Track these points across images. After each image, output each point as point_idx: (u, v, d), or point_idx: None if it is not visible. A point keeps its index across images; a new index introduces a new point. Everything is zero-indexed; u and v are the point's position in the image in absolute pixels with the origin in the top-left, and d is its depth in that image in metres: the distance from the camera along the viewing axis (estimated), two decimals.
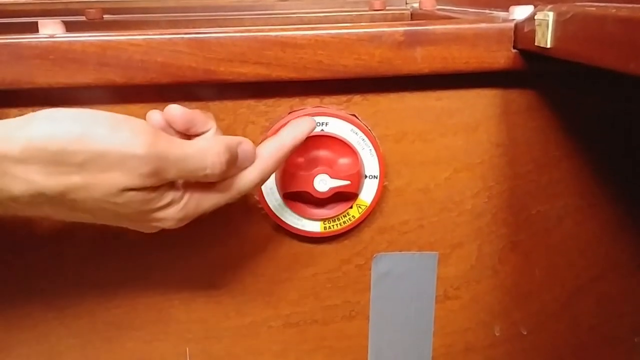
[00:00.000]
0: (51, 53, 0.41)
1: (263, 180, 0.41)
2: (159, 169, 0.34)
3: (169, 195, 0.37)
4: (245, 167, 0.40)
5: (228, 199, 0.40)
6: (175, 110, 0.39)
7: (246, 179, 0.40)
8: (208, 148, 0.36)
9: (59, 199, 0.34)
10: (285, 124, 0.45)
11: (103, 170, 0.33)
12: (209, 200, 0.39)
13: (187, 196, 0.38)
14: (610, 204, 0.52)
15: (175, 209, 0.37)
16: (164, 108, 0.45)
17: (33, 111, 0.44)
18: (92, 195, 0.34)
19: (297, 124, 0.43)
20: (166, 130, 0.38)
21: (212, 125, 0.40)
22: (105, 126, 0.33)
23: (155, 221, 0.38)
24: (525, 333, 0.56)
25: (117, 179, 0.34)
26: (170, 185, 0.37)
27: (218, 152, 0.36)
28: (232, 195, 0.40)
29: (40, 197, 0.34)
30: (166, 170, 0.35)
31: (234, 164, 0.38)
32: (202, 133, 0.40)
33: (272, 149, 0.41)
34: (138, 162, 0.33)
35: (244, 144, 0.39)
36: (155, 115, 0.39)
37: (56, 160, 0.33)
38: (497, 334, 0.56)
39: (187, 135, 0.40)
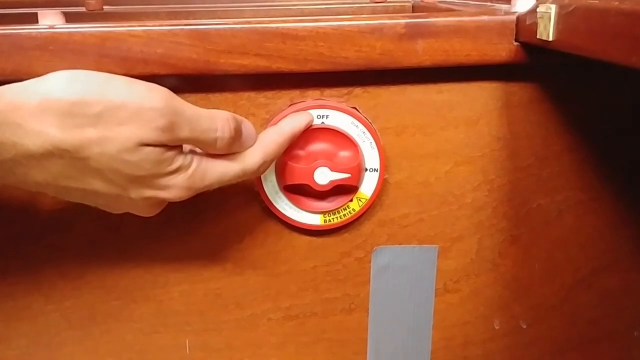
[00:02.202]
0: (51, 44, 0.41)
1: (265, 163, 0.41)
2: (174, 124, 0.35)
3: (179, 160, 0.37)
4: (248, 147, 0.41)
5: (232, 176, 0.40)
6: None
7: (250, 157, 0.41)
8: (217, 112, 0.38)
9: (72, 155, 0.34)
10: (286, 116, 0.45)
11: (119, 123, 0.34)
12: (214, 172, 0.39)
13: (195, 164, 0.38)
14: (611, 198, 0.52)
15: (183, 177, 0.38)
16: None
17: None
18: (107, 150, 0.34)
19: (296, 116, 0.44)
20: None
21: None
22: (122, 81, 0.35)
23: (162, 189, 0.38)
24: (524, 327, 0.56)
25: (133, 132, 0.34)
26: (180, 150, 0.37)
27: (227, 118, 0.38)
28: (236, 171, 0.40)
29: (54, 154, 0.34)
30: (180, 127, 0.36)
31: (239, 136, 0.39)
32: None
33: (273, 134, 0.42)
34: (154, 114, 0.34)
35: (247, 122, 0.41)
36: None
37: (72, 112, 0.33)
38: (496, 328, 0.56)
39: None
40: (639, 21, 0.29)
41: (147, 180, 0.37)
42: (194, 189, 0.39)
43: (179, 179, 0.38)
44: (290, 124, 0.44)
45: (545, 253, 0.53)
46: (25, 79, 0.41)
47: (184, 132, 0.36)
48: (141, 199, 0.39)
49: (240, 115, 0.46)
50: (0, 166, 0.35)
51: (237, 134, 0.39)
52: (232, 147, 0.39)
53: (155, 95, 0.35)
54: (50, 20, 0.44)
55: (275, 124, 0.45)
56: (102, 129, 0.34)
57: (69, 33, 0.41)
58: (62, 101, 0.33)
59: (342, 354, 0.56)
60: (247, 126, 0.41)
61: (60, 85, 0.34)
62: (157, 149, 0.36)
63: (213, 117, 0.37)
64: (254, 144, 0.41)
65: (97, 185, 0.37)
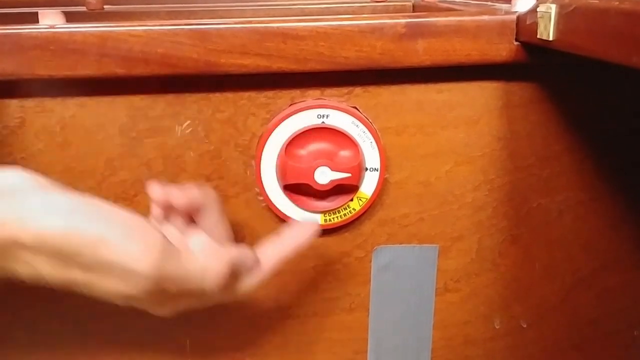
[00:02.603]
0: (51, 44, 0.41)
1: (260, 283, 0.42)
2: (160, 287, 0.35)
3: (161, 301, 0.37)
4: (244, 275, 0.41)
5: (222, 302, 0.41)
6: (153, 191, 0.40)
7: (244, 285, 0.41)
8: (210, 269, 0.37)
9: (58, 286, 0.35)
10: (287, 116, 0.45)
11: (107, 276, 0.34)
12: (202, 304, 0.40)
13: (182, 301, 0.39)
14: (611, 198, 0.52)
15: (167, 309, 0.38)
16: (164, 100, 0.45)
17: (33, 102, 0.45)
18: (93, 291, 0.35)
19: (300, 228, 0.44)
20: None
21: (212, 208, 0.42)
22: (120, 233, 0.34)
23: (145, 309, 0.38)
24: (525, 326, 0.56)
25: (119, 286, 0.34)
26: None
27: (218, 274, 0.37)
28: (226, 300, 0.41)
29: (43, 282, 0.34)
30: (166, 287, 0.36)
31: (235, 278, 0.40)
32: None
33: (274, 256, 0.42)
34: (142, 279, 0.34)
35: (248, 260, 0.40)
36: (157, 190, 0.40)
37: (64, 257, 0.33)
38: (496, 327, 0.56)
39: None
40: (639, 21, 0.29)
41: (129, 305, 0.37)
42: (179, 311, 0.40)
43: (164, 310, 0.38)
44: (294, 238, 0.43)
45: (545, 253, 0.53)
46: (25, 79, 0.42)
47: (172, 290, 0.36)
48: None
49: (241, 115, 0.46)
50: None
51: (231, 278, 0.39)
52: (223, 294, 0.39)
53: (147, 258, 0.34)
54: (50, 20, 0.44)
55: (276, 125, 0.45)
56: (89, 276, 0.34)
57: (70, 33, 0.41)
58: (56, 246, 0.33)
59: (342, 354, 0.56)
60: (246, 262, 0.40)
61: (59, 222, 0.33)
62: (141, 300, 0.36)
63: (204, 276, 0.37)
64: (251, 271, 0.41)
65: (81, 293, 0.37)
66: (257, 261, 0.41)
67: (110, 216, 0.34)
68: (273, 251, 0.42)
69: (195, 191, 0.41)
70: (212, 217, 0.42)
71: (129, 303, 0.37)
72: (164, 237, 0.36)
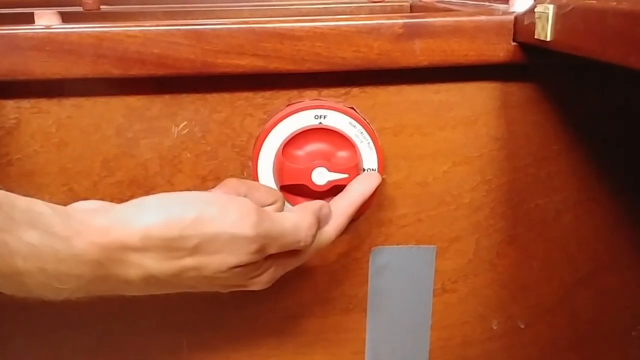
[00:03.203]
0: (47, 44, 0.41)
1: (337, 235, 0.44)
2: (263, 246, 0.37)
3: (263, 266, 0.39)
4: (323, 227, 0.42)
5: (308, 258, 0.43)
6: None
7: (324, 237, 0.43)
8: (301, 221, 0.39)
9: (169, 279, 0.36)
10: (284, 116, 0.45)
11: (215, 252, 0.36)
12: (293, 263, 0.42)
13: (275, 263, 0.40)
14: (609, 198, 0.52)
15: (265, 276, 0.40)
16: (161, 100, 0.45)
17: (29, 103, 0.44)
18: (202, 274, 0.36)
19: (364, 179, 0.45)
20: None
21: (276, 199, 0.44)
22: (216, 208, 0.35)
23: (248, 285, 0.40)
24: (522, 327, 0.56)
25: (227, 258, 0.36)
26: (265, 259, 0.39)
27: (309, 225, 0.40)
28: (311, 254, 0.43)
29: (152, 279, 0.36)
30: (269, 247, 0.38)
31: (318, 231, 0.41)
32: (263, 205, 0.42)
33: (344, 207, 0.44)
34: (247, 242, 0.36)
35: (324, 208, 0.42)
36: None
37: (171, 247, 0.34)
38: (494, 328, 0.56)
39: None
40: (637, 21, 0.28)
41: (234, 283, 0.39)
42: (274, 280, 0.41)
43: (261, 278, 0.40)
44: (360, 189, 0.45)
45: (543, 253, 0.53)
46: (21, 79, 0.41)
47: (272, 250, 0.38)
48: (228, 290, 0.41)
49: (238, 115, 0.46)
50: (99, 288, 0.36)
51: (318, 232, 0.41)
52: (312, 246, 0.41)
53: (247, 222, 0.36)
54: (46, 20, 0.44)
55: (273, 126, 0.45)
56: (198, 258, 0.35)
57: (66, 33, 0.41)
58: (163, 237, 0.34)
59: (340, 354, 0.56)
60: (324, 212, 0.42)
61: (158, 216, 0.34)
62: (247, 267, 0.37)
63: (297, 229, 0.39)
64: (328, 222, 0.43)
65: (188, 288, 0.39)
66: (331, 212, 0.43)
67: (199, 197, 0.36)
68: (344, 203, 0.44)
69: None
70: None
71: (234, 281, 0.38)
72: (254, 204, 0.37)
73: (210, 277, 0.37)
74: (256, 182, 0.43)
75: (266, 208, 0.41)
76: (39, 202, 0.34)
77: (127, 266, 0.34)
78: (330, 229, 0.43)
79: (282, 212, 0.40)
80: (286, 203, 0.46)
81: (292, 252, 0.41)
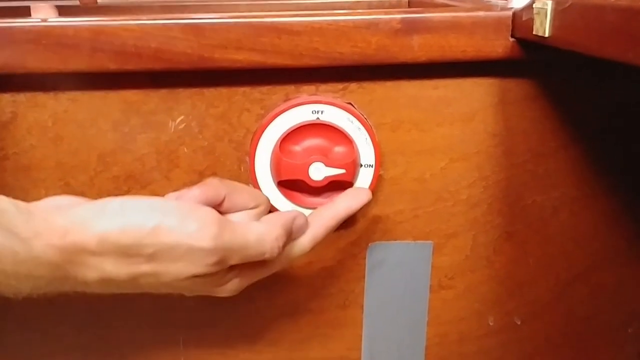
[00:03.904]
0: (44, 38, 0.40)
1: (313, 246, 0.43)
2: (224, 258, 0.36)
3: (227, 276, 0.39)
4: (297, 238, 0.42)
5: (279, 268, 0.42)
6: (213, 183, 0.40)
7: (297, 248, 0.42)
8: (267, 233, 0.38)
9: (127, 283, 0.36)
10: (281, 111, 0.45)
11: (172, 261, 0.35)
12: (261, 274, 0.42)
13: (241, 274, 0.40)
14: (607, 195, 0.52)
15: (230, 285, 0.40)
16: (157, 95, 0.45)
17: (25, 97, 0.44)
18: (160, 280, 0.36)
19: (354, 195, 0.45)
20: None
21: (259, 203, 0.41)
22: (176, 217, 0.35)
23: (210, 293, 0.40)
24: (519, 323, 0.56)
25: (185, 268, 0.35)
26: (228, 269, 0.38)
27: (277, 237, 0.38)
28: (283, 265, 0.42)
29: (111, 281, 0.35)
30: (230, 258, 0.37)
31: (289, 241, 0.41)
32: (244, 209, 0.41)
33: (326, 219, 0.43)
34: (205, 254, 0.35)
35: (298, 219, 0.41)
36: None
37: (128, 252, 0.34)
38: (491, 324, 0.56)
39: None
40: (635, 18, 0.28)
41: (196, 290, 0.39)
42: (242, 288, 0.41)
43: (227, 287, 0.40)
44: (347, 204, 0.44)
45: (540, 250, 0.53)
46: (17, 73, 0.41)
47: (233, 261, 0.37)
48: (192, 295, 0.41)
49: (235, 110, 0.46)
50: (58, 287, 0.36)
51: (287, 243, 0.40)
52: (281, 257, 0.41)
53: (207, 234, 0.35)
54: (43, 13, 0.44)
55: (271, 121, 0.44)
56: (155, 265, 0.35)
57: (62, 27, 0.41)
58: (120, 242, 0.34)
59: (336, 350, 0.56)
60: (298, 223, 0.41)
61: (117, 221, 0.34)
62: (208, 277, 0.37)
63: (262, 241, 0.38)
64: (304, 233, 0.42)
65: (149, 290, 0.38)
66: (307, 223, 0.42)
67: (162, 205, 0.36)
68: (327, 215, 0.43)
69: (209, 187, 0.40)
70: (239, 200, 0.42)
71: (196, 288, 0.38)
72: (218, 213, 0.37)
73: (169, 283, 0.36)
74: (240, 184, 0.42)
75: (249, 212, 0.40)
76: (3, 199, 0.33)
77: (85, 268, 0.34)
78: (306, 240, 0.42)
79: (248, 223, 0.39)
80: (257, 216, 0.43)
81: (259, 263, 0.40)
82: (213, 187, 0.39)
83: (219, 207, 0.39)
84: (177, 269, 0.35)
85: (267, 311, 0.53)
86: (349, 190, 0.45)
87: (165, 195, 0.39)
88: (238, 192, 0.40)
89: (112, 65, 0.42)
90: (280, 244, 0.39)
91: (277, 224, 0.39)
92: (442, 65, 0.45)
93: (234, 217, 0.40)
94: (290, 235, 0.40)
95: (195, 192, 0.38)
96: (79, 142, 0.46)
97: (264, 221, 0.40)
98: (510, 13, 0.43)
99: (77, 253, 0.33)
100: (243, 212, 0.41)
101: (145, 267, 0.35)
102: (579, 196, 0.52)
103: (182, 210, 0.36)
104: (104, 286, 0.36)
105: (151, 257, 0.34)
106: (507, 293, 0.55)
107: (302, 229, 0.42)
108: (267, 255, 0.38)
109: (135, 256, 0.34)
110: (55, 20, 0.42)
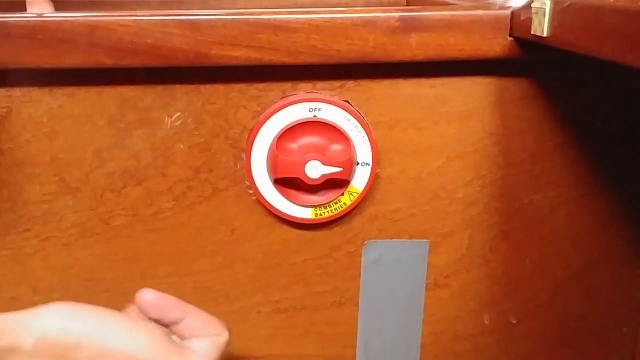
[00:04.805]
0: (39, 33, 0.40)
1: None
2: None
3: None
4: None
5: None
6: (145, 296, 0.39)
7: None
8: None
9: None
10: (278, 109, 0.45)
11: None
12: None
13: None
14: (604, 195, 0.52)
15: None
16: (154, 91, 0.45)
17: (21, 92, 0.44)
18: None
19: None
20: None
21: (214, 333, 0.40)
22: (126, 328, 0.34)
23: None
24: (514, 322, 0.56)
25: None
26: None
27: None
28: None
29: None
30: None
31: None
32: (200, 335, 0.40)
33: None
34: None
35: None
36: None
37: (65, 356, 0.33)
38: (486, 323, 0.56)
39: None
40: (634, 19, 0.28)
41: None
42: None
43: None
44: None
45: (536, 249, 0.53)
46: (13, 68, 0.41)
47: None
48: None
49: (232, 107, 0.46)
50: None
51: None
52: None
53: (152, 348, 0.35)
54: (39, 8, 0.43)
55: (268, 118, 0.44)
56: None
57: (58, 22, 0.40)
58: (57, 345, 0.33)
59: (331, 348, 0.56)
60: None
61: (57, 326, 0.33)
62: None
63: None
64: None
65: None
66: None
67: (112, 315, 0.35)
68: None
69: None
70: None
71: None
72: (165, 334, 0.36)
73: None
74: (198, 310, 0.40)
75: (211, 339, 0.40)
76: None
77: None
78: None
79: (191, 351, 0.38)
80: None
81: None
82: (168, 306, 0.39)
83: (170, 327, 0.39)
84: None
85: (262, 308, 0.53)
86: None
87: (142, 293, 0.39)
88: (194, 317, 0.40)
89: (108, 61, 0.41)
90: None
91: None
92: (440, 64, 0.44)
93: (193, 344, 0.39)
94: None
95: (144, 309, 0.38)
96: (74, 138, 0.46)
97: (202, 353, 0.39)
98: (508, 12, 0.43)
99: (11, 353, 0.32)
100: (206, 339, 0.40)
101: None
102: (576, 196, 0.52)
103: (131, 322, 0.35)
104: None
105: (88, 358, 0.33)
106: (503, 292, 0.55)
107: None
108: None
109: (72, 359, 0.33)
110: (51, 15, 0.41)
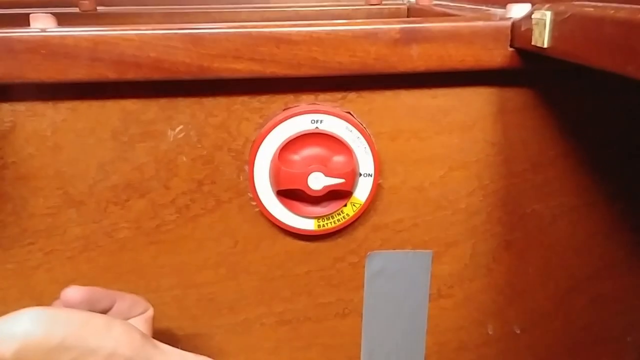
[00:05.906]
0: (42, 47, 0.40)
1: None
2: None
3: None
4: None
5: None
6: (72, 294, 0.39)
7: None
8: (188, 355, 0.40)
9: None
10: (280, 121, 0.45)
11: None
12: None
13: None
14: (606, 204, 0.52)
15: None
16: (157, 104, 0.45)
17: (24, 106, 0.44)
18: None
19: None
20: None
21: (141, 310, 0.42)
22: (102, 324, 0.34)
23: None
24: (518, 332, 0.56)
25: None
26: None
27: None
28: None
29: None
30: None
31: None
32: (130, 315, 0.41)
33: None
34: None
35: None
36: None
37: (49, 358, 0.32)
38: (490, 333, 0.55)
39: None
40: (634, 30, 0.28)
41: None
42: None
43: None
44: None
45: (539, 258, 0.53)
46: (16, 82, 0.41)
47: None
48: None
49: (234, 119, 0.46)
50: None
51: None
52: None
53: (129, 341, 0.35)
54: (42, 22, 0.43)
55: (270, 130, 0.45)
56: None
57: (61, 36, 0.41)
58: (40, 350, 0.32)
59: (335, 359, 0.55)
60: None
61: (38, 330, 0.32)
62: None
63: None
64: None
65: None
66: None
67: (86, 314, 0.34)
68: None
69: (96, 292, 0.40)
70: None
71: None
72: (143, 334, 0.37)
73: None
74: (121, 293, 0.41)
75: (141, 317, 0.41)
76: None
77: None
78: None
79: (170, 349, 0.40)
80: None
81: None
82: (96, 298, 0.39)
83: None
84: None
85: (266, 320, 0.53)
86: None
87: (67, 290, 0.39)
88: (121, 301, 0.41)
89: (111, 75, 0.42)
90: None
91: None
92: (441, 75, 0.45)
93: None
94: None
95: (74, 306, 0.38)
96: (78, 151, 0.46)
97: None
98: (509, 23, 0.43)
99: None
100: (137, 318, 0.41)
101: None
102: (578, 205, 0.52)
103: (106, 318, 0.35)
104: None
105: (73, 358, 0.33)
106: (507, 302, 0.55)
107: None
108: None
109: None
110: (54, 29, 0.42)
